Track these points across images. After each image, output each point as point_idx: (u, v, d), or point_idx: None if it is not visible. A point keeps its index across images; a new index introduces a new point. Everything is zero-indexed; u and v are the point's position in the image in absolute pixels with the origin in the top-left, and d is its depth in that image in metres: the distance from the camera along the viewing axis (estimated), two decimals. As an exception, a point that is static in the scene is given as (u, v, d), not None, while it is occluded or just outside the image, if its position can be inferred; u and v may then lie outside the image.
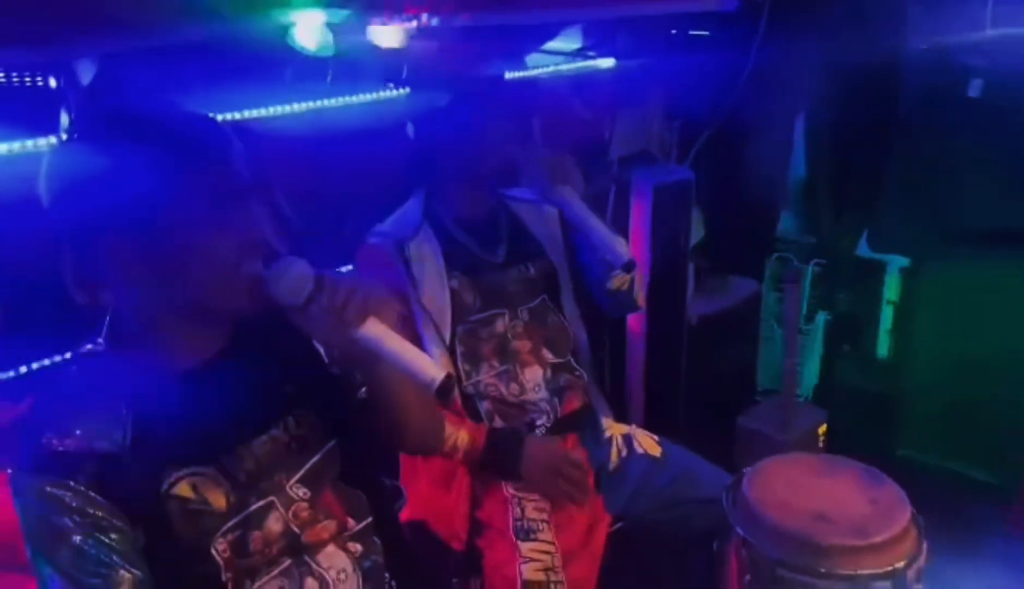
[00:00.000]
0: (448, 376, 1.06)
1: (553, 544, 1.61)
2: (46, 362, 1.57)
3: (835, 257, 3.35)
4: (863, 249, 3.36)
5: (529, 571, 1.56)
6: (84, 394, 1.10)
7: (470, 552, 1.63)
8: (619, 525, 1.80)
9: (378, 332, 1.07)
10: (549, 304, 1.81)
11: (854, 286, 3.39)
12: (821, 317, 3.37)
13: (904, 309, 3.29)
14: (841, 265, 3.36)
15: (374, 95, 1.87)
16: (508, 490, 1.67)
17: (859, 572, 1.37)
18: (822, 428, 2.85)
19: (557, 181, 1.67)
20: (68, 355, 1.49)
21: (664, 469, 1.79)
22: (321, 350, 1.25)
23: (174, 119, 1.11)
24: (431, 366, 1.07)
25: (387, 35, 1.74)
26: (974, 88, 3.18)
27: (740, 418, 2.76)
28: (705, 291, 2.87)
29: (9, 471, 1.11)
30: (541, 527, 1.62)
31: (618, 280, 1.74)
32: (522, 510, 1.64)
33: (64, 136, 1.45)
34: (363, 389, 1.23)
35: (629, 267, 1.70)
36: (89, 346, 1.15)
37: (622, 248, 1.68)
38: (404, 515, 1.68)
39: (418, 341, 1.59)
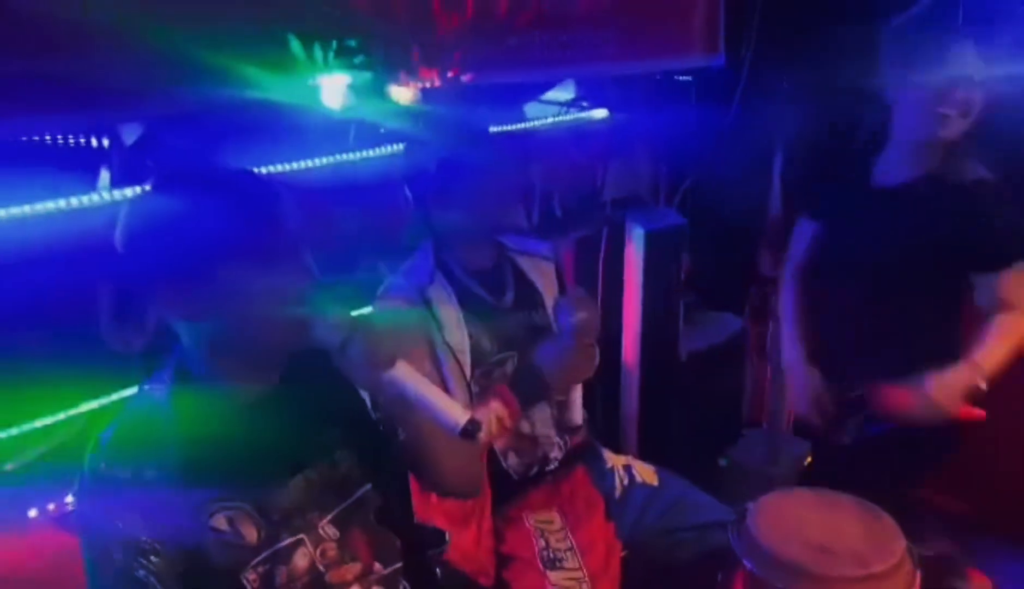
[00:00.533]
0: (472, 419, 1.13)
1: (581, 571, 1.68)
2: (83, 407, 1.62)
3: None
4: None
5: None
6: (143, 425, 1.18)
7: (497, 585, 1.70)
8: (625, 553, 1.87)
9: (407, 375, 1.14)
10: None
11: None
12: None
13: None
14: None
15: (382, 150, 1.96)
16: (529, 521, 1.74)
17: (859, 600, 1.46)
18: (807, 460, 2.95)
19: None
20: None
21: (661, 497, 1.90)
22: (366, 395, 1.32)
23: (237, 177, 1.20)
24: (456, 409, 1.14)
25: (403, 94, 1.85)
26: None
27: (728, 451, 2.86)
28: (692, 326, 2.98)
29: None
30: (566, 555, 1.70)
31: None
32: (546, 541, 1.72)
33: (104, 193, 1.53)
34: (402, 434, 1.29)
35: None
36: (153, 381, 1.22)
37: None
38: None
39: (444, 384, 1.66)
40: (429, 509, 1.77)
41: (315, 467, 1.25)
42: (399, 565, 1.31)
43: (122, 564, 1.11)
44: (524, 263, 1.90)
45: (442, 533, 1.48)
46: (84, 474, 1.15)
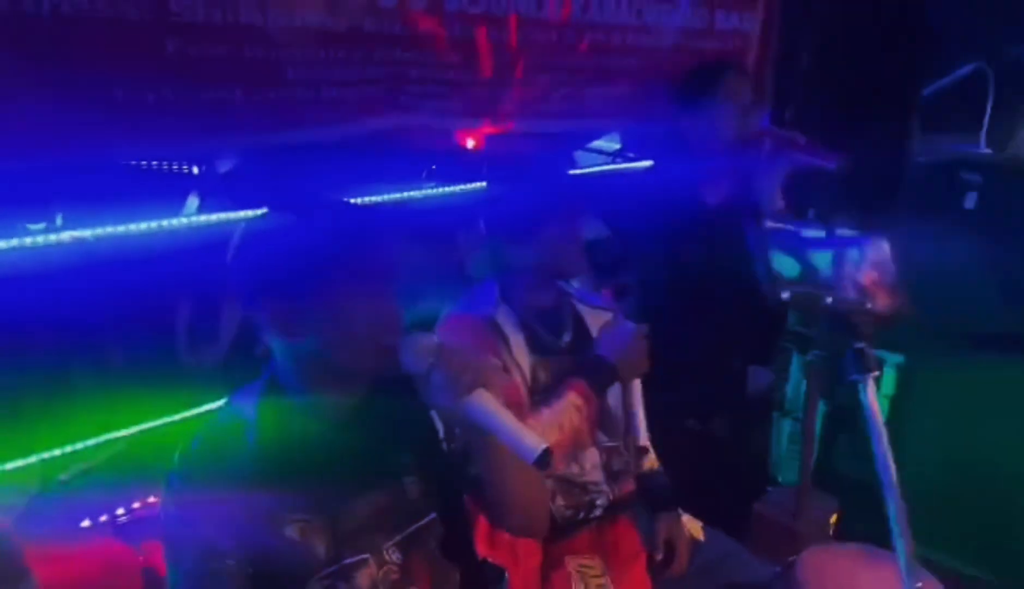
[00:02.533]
0: (548, 449, 1.13)
1: None
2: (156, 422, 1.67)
3: (834, 350, 3.49)
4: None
5: None
6: (230, 434, 1.23)
7: None
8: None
9: (486, 401, 1.16)
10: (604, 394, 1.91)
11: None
12: (820, 408, 3.51)
13: (900, 404, 3.45)
14: (838, 358, 3.49)
15: (453, 188, 2.03)
16: (571, 565, 1.76)
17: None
18: (833, 517, 2.97)
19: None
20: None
21: (706, 553, 1.91)
22: (440, 427, 1.36)
23: (344, 205, 1.28)
24: (532, 437, 1.14)
25: (471, 139, 1.92)
26: (969, 200, 3.43)
27: (756, 504, 2.88)
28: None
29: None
30: None
31: None
32: (585, 585, 1.74)
33: (191, 217, 1.59)
34: (472, 467, 1.33)
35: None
36: (245, 393, 1.28)
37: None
38: None
39: (522, 409, 1.67)
40: (493, 545, 1.80)
41: (385, 489, 1.29)
42: None
43: (198, 565, 1.16)
44: (583, 310, 1.94)
45: (502, 571, 1.51)
46: (170, 479, 1.20)
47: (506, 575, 1.72)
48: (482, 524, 1.71)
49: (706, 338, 2.38)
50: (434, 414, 1.36)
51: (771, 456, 3.35)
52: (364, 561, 1.25)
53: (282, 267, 1.18)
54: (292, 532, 1.20)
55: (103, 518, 1.80)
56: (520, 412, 1.62)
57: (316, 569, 1.22)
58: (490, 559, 1.62)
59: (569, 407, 1.69)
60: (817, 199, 3.35)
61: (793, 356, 3.45)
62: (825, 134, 3.02)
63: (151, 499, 1.84)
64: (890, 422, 3.38)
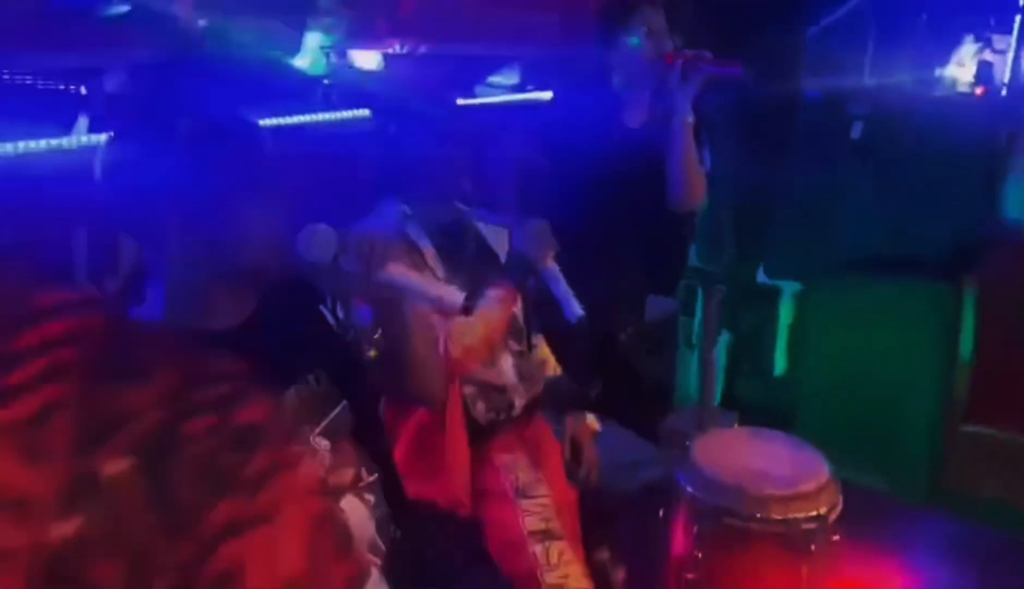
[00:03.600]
0: (468, 296, 1.25)
1: (548, 498, 1.80)
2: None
3: (736, 283, 3.65)
4: (760, 277, 3.73)
5: (532, 522, 1.75)
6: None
7: (474, 518, 1.79)
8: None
9: (400, 271, 1.25)
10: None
11: (753, 309, 3.73)
12: (724, 338, 3.68)
13: (798, 330, 3.65)
14: (741, 291, 3.67)
15: (349, 113, 2.05)
16: (499, 460, 1.85)
17: (790, 516, 1.62)
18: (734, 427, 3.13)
19: (542, 247, 1.86)
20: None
21: (603, 440, 2.06)
22: (329, 318, 1.41)
23: (218, 114, 1.28)
24: (451, 290, 1.25)
25: (367, 59, 1.95)
26: (855, 131, 3.62)
27: (665, 420, 3.03)
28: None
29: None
30: (535, 486, 1.82)
31: None
32: (516, 475, 1.83)
33: (84, 137, 1.58)
34: (370, 348, 1.40)
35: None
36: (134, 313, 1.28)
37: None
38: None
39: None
40: (411, 464, 1.85)
41: (303, 384, 1.33)
42: (376, 475, 1.41)
43: None
44: (482, 228, 2.00)
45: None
46: None
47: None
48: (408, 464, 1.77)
49: (615, 260, 2.46)
50: (325, 311, 1.41)
51: (676, 386, 3.50)
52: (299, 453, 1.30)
53: (172, 179, 1.18)
54: None
55: None
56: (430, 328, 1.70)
57: None
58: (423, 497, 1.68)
59: (492, 302, 1.77)
60: (715, 132, 3.50)
61: (697, 292, 3.60)
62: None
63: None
64: (790, 348, 3.61)
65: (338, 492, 1.34)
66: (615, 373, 2.52)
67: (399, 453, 1.85)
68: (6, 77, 1.50)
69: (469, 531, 1.80)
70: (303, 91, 1.83)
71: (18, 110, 1.54)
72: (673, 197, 2.35)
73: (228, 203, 1.21)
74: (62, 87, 1.55)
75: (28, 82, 1.52)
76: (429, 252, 1.81)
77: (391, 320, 1.35)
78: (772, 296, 3.72)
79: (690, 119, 2.27)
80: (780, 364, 3.73)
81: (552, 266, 1.86)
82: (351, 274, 1.24)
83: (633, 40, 2.25)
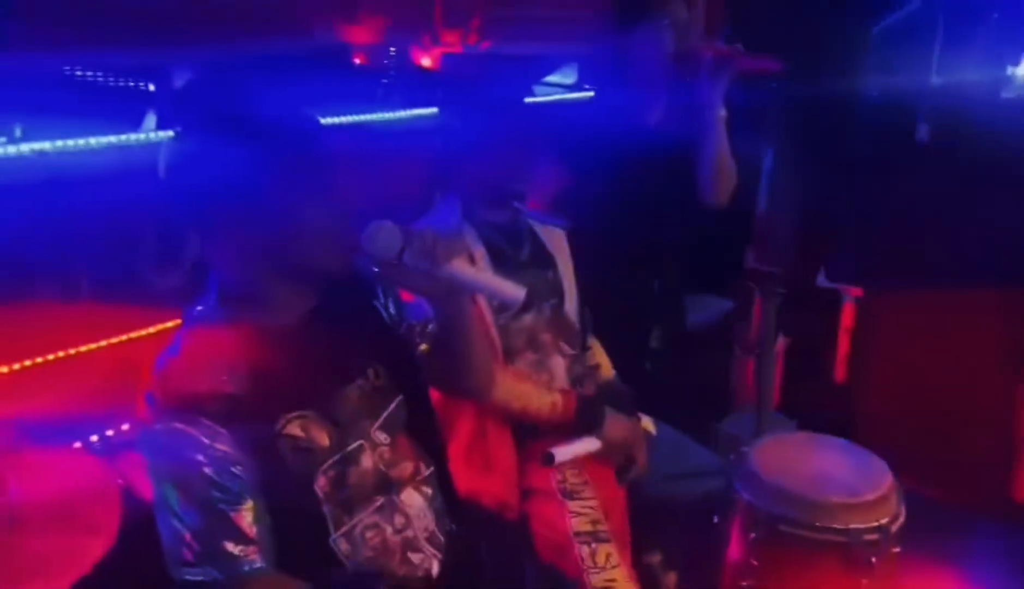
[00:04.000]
0: (529, 290, 1.24)
1: (596, 500, 1.78)
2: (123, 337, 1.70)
3: (795, 286, 3.59)
4: (821, 280, 3.64)
5: (579, 523, 1.73)
6: (204, 347, 1.25)
7: (521, 517, 1.79)
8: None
9: (464, 266, 1.26)
10: (562, 307, 1.98)
11: (813, 314, 3.65)
12: (782, 343, 3.61)
13: (860, 336, 3.56)
14: (800, 294, 3.59)
15: (409, 112, 2.06)
16: None
17: (851, 526, 1.58)
18: (792, 436, 3.07)
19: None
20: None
21: (659, 444, 2.01)
22: (383, 313, 1.43)
23: (281, 113, 1.29)
24: (513, 286, 1.24)
25: (426, 58, 1.95)
26: (921, 132, 3.52)
27: (720, 424, 2.98)
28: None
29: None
30: (582, 487, 1.80)
31: None
32: (563, 475, 1.81)
33: (152, 133, 1.62)
34: (421, 342, 1.41)
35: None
36: (199, 308, 1.31)
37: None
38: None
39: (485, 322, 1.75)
40: (455, 454, 1.86)
41: (357, 379, 1.35)
42: (433, 469, 1.42)
43: (212, 476, 1.17)
44: (537, 227, 2.00)
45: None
46: (151, 400, 1.20)
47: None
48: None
49: (648, 261, 2.43)
50: (379, 306, 1.42)
51: (732, 389, 3.44)
52: (360, 446, 1.32)
53: (236, 176, 1.20)
54: (294, 428, 1.25)
55: (93, 438, 1.82)
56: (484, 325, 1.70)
57: (321, 461, 1.27)
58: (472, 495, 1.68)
59: (547, 400, 1.79)
60: (771, 135, 3.44)
61: (754, 294, 3.54)
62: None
63: (124, 427, 1.87)
64: (852, 353, 3.52)
65: (399, 485, 1.35)
66: (654, 376, 2.49)
67: (450, 449, 1.86)
68: (78, 74, 1.54)
69: (516, 530, 1.81)
70: (364, 89, 1.84)
71: (89, 106, 1.58)
72: (703, 192, 2.32)
73: (289, 200, 1.23)
74: (131, 84, 1.59)
75: (99, 79, 1.56)
76: (479, 253, 1.80)
77: (451, 315, 1.35)
78: (833, 300, 3.63)
79: (722, 113, 2.23)
80: (841, 370, 3.64)
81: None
82: (416, 269, 1.23)
83: (653, 34, 2.19)
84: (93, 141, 1.55)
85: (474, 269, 1.27)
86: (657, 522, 1.94)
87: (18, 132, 1.46)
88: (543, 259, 1.97)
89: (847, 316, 3.59)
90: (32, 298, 1.57)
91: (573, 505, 1.77)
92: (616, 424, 1.87)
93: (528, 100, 2.51)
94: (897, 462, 2.19)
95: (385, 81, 1.85)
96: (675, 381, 2.99)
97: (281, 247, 1.24)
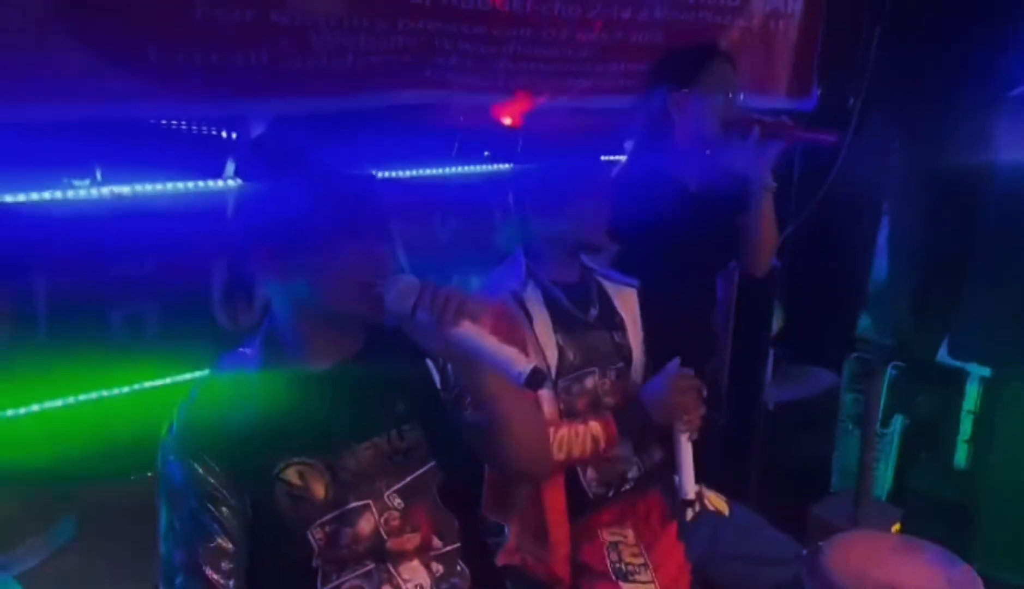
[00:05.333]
0: (536, 368, 1.14)
1: (653, 584, 1.70)
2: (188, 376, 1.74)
3: (914, 361, 3.35)
4: (943, 355, 3.38)
5: None
6: (230, 384, 1.28)
7: None
8: (694, 576, 1.87)
9: (471, 330, 1.18)
10: (629, 370, 1.92)
11: (933, 392, 3.39)
12: (898, 421, 3.37)
13: (984, 420, 3.27)
14: (920, 369, 3.36)
15: (480, 167, 2.06)
16: (604, 535, 1.77)
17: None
18: (895, 527, 2.83)
19: None
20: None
21: (732, 526, 1.91)
22: (436, 376, 1.39)
23: (339, 170, 1.32)
24: (520, 359, 1.15)
25: (507, 113, 1.94)
26: (1054, 202, 3.24)
27: (814, 507, 2.78)
28: (783, 379, 2.93)
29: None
30: (640, 569, 1.72)
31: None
32: (619, 555, 1.75)
33: (231, 180, 1.67)
34: (468, 411, 1.36)
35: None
36: (244, 347, 1.34)
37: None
38: (501, 559, 1.75)
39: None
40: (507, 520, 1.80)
41: (385, 436, 1.32)
42: (458, 545, 1.36)
43: (194, 508, 1.21)
44: (607, 286, 1.94)
45: (501, 527, 1.50)
46: (170, 428, 1.25)
47: (506, 529, 1.72)
48: (489, 485, 1.72)
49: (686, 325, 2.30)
50: (429, 364, 1.39)
51: (833, 464, 3.23)
52: (366, 507, 1.29)
53: (281, 218, 1.25)
54: (291, 474, 1.25)
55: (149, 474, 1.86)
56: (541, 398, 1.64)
57: (317, 514, 1.25)
58: (491, 517, 1.63)
59: (586, 436, 1.72)
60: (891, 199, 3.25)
61: (868, 367, 3.33)
62: (896, 133, 2.92)
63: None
64: (974, 438, 3.26)
65: (396, 556, 1.30)
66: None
67: (499, 517, 1.80)
68: (165, 124, 1.61)
69: None
70: (439, 143, 1.85)
71: (174, 153, 1.65)
72: (744, 261, 2.27)
73: (328, 246, 1.25)
74: (214, 132, 1.65)
75: (183, 127, 1.63)
76: (542, 319, 1.75)
77: (470, 381, 1.30)
78: (956, 378, 3.36)
79: (772, 185, 2.14)
80: (961, 456, 3.35)
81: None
82: (424, 326, 1.20)
83: (699, 97, 2.11)
84: (170, 186, 1.61)
85: (482, 334, 1.18)
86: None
87: (98, 175, 1.53)
88: (611, 321, 1.91)
89: (971, 396, 3.32)
90: (104, 334, 1.63)
91: (627, 587, 1.67)
92: (659, 399, 1.78)
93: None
94: (1019, 561, 1.96)
95: (461, 135, 1.85)
96: (768, 460, 2.84)
97: (310, 288, 1.26)
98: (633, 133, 2.24)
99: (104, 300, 1.61)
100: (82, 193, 1.51)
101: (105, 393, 1.62)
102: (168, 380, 1.69)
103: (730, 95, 2.13)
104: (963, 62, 3.02)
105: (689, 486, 1.74)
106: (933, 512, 3.06)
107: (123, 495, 1.70)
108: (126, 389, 1.66)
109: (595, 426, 1.73)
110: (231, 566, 1.22)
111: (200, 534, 1.21)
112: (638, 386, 1.90)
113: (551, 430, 1.67)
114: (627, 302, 1.94)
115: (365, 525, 1.28)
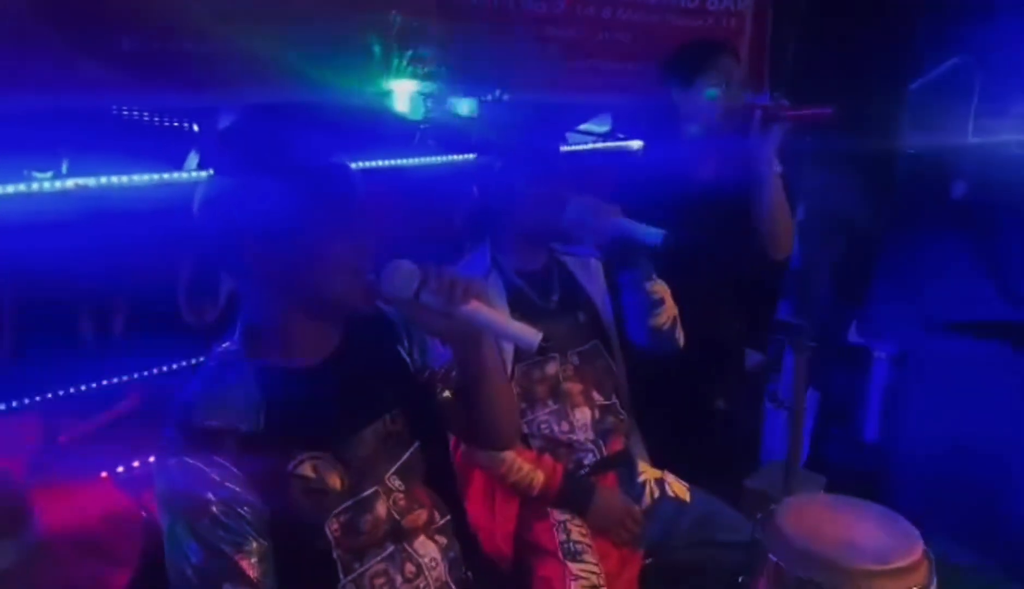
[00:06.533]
0: (545, 336, 1.21)
1: (597, 566, 1.75)
2: (154, 370, 1.72)
3: (827, 341, 3.53)
4: (854, 335, 3.60)
5: (579, 587, 1.70)
6: (224, 384, 1.26)
7: (518, 569, 1.77)
8: (649, 561, 1.93)
9: (481, 308, 1.22)
10: (600, 349, 1.97)
11: (844, 369, 3.60)
12: (812, 397, 3.56)
13: (891, 394, 3.49)
14: (832, 349, 3.55)
15: (447, 157, 2.09)
16: (555, 516, 1.81)
17: (881, 594, 1.53)
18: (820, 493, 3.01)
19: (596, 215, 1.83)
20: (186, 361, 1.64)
21: (692, 512, 1.95)
22: (406, 358, 1.43)
23: (308, 155, 1.32)
24: (529, 330, 1.22)
25: (464, 105, 1.99)
26: (957, 190, 3.50)
27: (747, 480, 2.93)
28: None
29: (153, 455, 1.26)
30: (586, 550, 1.77)
31: (660, 318, 1.91)
32: (567, 534, 1.79)
33: (193, 172, 1.66)
34: (445, 392, 1.41)
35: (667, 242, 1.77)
36: (225, 344, 1.33)
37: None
38: None
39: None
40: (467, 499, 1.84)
41: (380, 421, 1.35)
42: (449, 517, 1.41)
43: (219, 515, 1.16)
44: (572, 263, 1.99)
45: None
46: (170, 431, 1.22)
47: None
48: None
49: (699, 316, 2.41)
50: (402, 351, 1.43)
51: (762, 441, 3.39)
52: (376, 493, 1.31)
53: (262, 213, 1.23)
54: (306, 469, 1.25)
55: (119, 469, 1.83)
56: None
57: (333, 505, 1.26)
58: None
59: (528, 476, 1.78)
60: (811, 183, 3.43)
61: (785, 347, 3.50)
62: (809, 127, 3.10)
63: (151, 459, 1.88)
64: (884, 411, 3.46)
65: (411, 533, 1.34)
66: (709, 434, 2.46)
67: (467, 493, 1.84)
68: (125, 113, 1.58)
69: (511, 583, 1.78)
70: (402, 135, 1.87)
71: (135, 144, 1.63)
72: (762, 247, 2.31)
73: (310, 236, 1.24)
74: (176, 124, 1.63)
75: (145, 118, 1.61)
76: (501, 306, 1.79)
77: (469, 358, 1.34)
78: (865, 356, 3.58)
79: (778, 168, 2.23)
80: (872, 428, 3.57)
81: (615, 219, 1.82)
82: (431, 308, 1.23)
83: (709, 91, 2.22)
84: (136, 177, 1.59)
85: (491, 310, 1.24)
86: (675, 580, 1.90)
87: (64, 167, 1.50)
88: (574, 302, 1.96)
89: (879, 372, 3.54)
90: (69, 330, 1.60)
91: (574, 567, 1.74)
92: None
93: (563, 148, 2.55)
94: (928, 526, 2.15)
95: (423, 127, 1.88)
96: (705, 436, 2.96)
97: (300, 281, 1.26)
98: (641, 127, 2.32)
99: (71, 296, 1.58)
100: (46, 186, 1.48)
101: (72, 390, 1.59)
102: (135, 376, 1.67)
103: (735, 86, 2.23)
104: (871, 58, 3.22)
105: (651, 230, 1.80)
106: (846, 484, 3.24)
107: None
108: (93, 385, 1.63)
109: (539, 476, 1.78)
110: (268, 567, 1.19)
111: (230, 538, 1.17)
112: (609, 365, 1.97)
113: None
114: (591, 274, 2.00)
115: (381, 509, 1.30)
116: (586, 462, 1.91)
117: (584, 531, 1.81)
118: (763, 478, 2.98)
